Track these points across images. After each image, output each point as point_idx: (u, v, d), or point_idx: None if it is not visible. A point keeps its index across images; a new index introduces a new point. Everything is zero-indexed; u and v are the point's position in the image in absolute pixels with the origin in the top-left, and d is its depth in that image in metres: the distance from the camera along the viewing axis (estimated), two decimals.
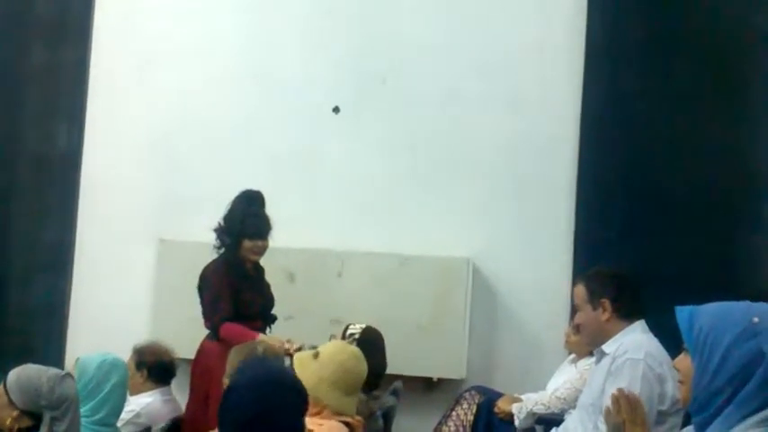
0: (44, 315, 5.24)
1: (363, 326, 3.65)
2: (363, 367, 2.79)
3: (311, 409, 2.73)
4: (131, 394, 3.72)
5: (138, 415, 3.72)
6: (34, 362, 2.83)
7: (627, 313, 2.80)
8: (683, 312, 1.67)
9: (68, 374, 2.71)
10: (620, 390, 1.83)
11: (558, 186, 4.76)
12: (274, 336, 3.88)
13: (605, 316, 2.80)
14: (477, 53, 4.90)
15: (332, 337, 3.61)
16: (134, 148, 5.22)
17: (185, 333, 4.34)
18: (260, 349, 3.11)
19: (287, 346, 3.60)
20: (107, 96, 5.29)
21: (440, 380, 4.68)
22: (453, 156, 4.89)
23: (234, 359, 3.13)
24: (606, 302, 2.80)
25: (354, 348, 2.85)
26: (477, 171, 4.87)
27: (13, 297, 5.28)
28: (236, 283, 3.90)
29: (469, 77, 4.89)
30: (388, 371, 4.15)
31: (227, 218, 3.99)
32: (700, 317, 1.64)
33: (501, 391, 4.06)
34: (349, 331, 3.59)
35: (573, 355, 3.89)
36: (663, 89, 4.62)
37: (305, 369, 2.71)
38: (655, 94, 4.63)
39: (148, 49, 5.26)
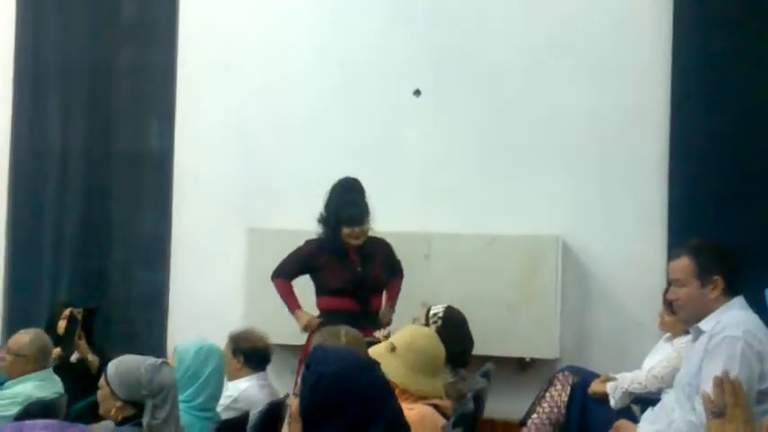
0: (145, 305, 5.47)
1: (445, 306, 3.63)
2: (440, 347, 2.81)
3: (399, 396, 2.76)
4: (229, 380, 3.83)
5: (236, 400, 3.80)
6: (138, 350, 2.94)
7: (733, 290, 2.67)
8: None
9: (165, 362, 2.76)
10: (724, 372, 1.77)
11: (649, 158, 4.62)
12: (307, 314, 4.16)
13: (714, 294, 2.66)
14: (558, 24, 4.80)
15: (415, 320, 3.61)
16: (221, 142, 5.36)
17: (277, 318, 4.45)
18: (343, 337, 3.13)
19: (376, 334, 3.66)
20: (194, 93, 5.45)
21: (533, 360, 4.63)
22: (538, 131, 4.80)
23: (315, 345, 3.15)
24: (719, 279, 2.66)
25: (425, 330, 2.87)
26: (563, 146, 4.77)
27: (116, 289, 5.53)
28: (321, 259, 4.16)
29: (551, 50, 4.79)
30: (480, 352, 4.15)
31: (326, 207, 4.21)
32: None
33: (595, 370, 3.98)
34: (431, 312, 3.59)
35: (669, 333, 3.77)
36: (756, 51, 4.42)
37: (384, 364, 2.71)
38: (748, 56, 4.44)
39: (230, 45, 5.39)
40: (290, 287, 4.26)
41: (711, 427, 1.71)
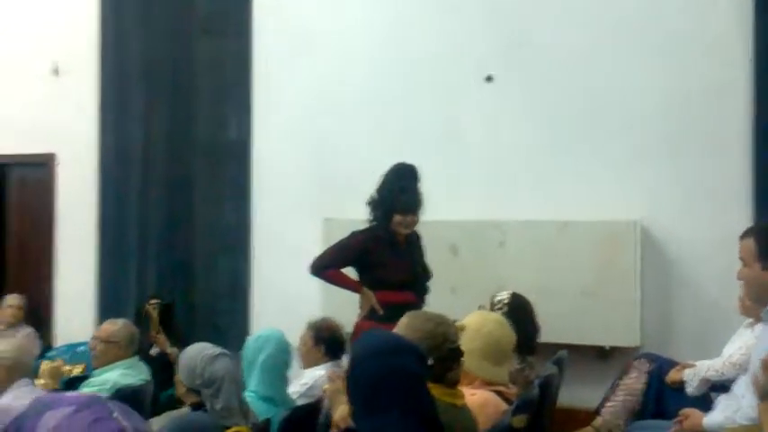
0: (228, 295, 5.60)
1: (510, 293, 3.58)
2: (510, 334, 2.78)
3: (463, 380, 2.75)
4: (305, 368, 3.89)
5: (311, 387, 3.83)
6: (222, 340, 2.98)
7: None
8: None
9: (222, 354, 2.80)
10: None
11: (731, 136, 4.41)
12: (372, 295, 3.92)
13: None
14: (629, 1, 4.63)
15: (480, 307, 3.57)
16: (297, 132, 5.44)
17: (352, 308, 4.47)
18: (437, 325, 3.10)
19: None
20: (269, 85, 5.54)
21: (613, 348, 4.51)
22: (612, 113, 4.66)
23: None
24: None
25: (497, 316, 2.83)
26: (640, 127, 4.61)
27: (200, 280, 5.68)
28: (378, 252, 3.95)
29: (624, 29, 4.64)
30: (558, 340, 4.10)
31: (379, 191, 4.02)
32: None
33: (679, 358, 3.85)
34: (497, 299, 3.54)
35: (751, 319, 3.61)
36: None
37: None
38: None
39: (303, 36, 5.45)
40: (343, 273, 4.05)
41: (760, 409, 1.64)
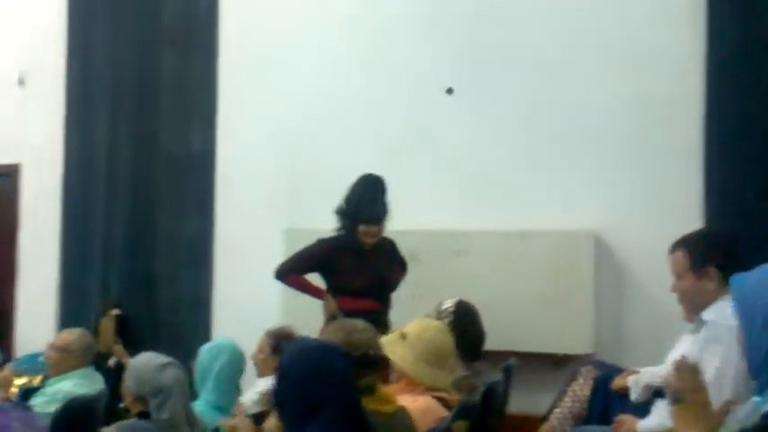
0: (190, 306, 5.62)
1: (455, 301, 3.63)
2: (448, 339, 2.83)
3: (406, 387, 2.80)
4: (260, 376, 3.90)
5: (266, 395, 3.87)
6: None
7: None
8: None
9: (170, 364, 2.82)
10: (681, 357, 1.75)
11: (685, 148, 4.49)
12: (333, 302, 4.04)
13: (711, 285, 2.63)
14: (588, 14, 4.72)
15: (427, 316, 3.62)
16: (260, 144, 5.49)
17: (314, 317, 4.50)
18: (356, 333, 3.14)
19: None
20: (234, 96, 5.58)
21: (567, 356, 4.56)
22: (569, 125, 4.74)
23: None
24: (713, 271, 2.63)
25: (437, 323, 2.89)
26: (596, 139, 4.69)
27: (163, 290, 5.70)
28: (341, 259, 4.07)
29: (582, 41, 4.73)
30: (513, 348, 4.15)
31: (346, 201, 4.15)
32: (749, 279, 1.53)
33: (631, 367, 3.90)
34: (443, 307, 3.60)
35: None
36: None
37: (394, 351, 2.76)
38: None
39: (269, 48, 5.50)
40: (306, 279, 4.20)
41: (673, 412, 1.69)
